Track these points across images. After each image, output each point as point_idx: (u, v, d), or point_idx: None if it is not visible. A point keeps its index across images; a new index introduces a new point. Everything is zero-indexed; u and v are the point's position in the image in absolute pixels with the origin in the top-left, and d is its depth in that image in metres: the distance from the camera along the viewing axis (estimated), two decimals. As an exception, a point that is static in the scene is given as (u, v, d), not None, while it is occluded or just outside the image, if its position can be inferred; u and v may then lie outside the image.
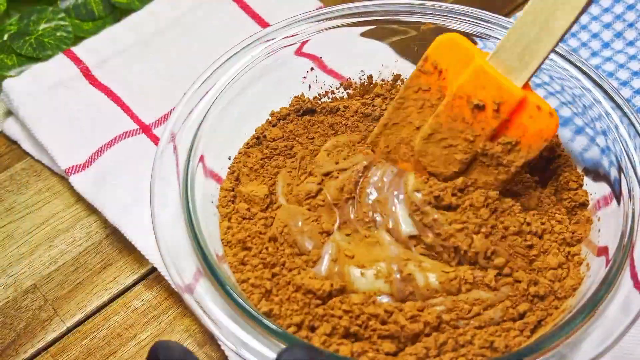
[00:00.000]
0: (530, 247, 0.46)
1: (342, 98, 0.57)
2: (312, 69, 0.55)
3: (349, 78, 0.57)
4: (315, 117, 0.55)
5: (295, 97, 0.55)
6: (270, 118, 0.54)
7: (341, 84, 0.57)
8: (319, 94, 0.56)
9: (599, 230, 0.47)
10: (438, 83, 0.46)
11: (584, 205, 0.49)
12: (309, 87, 0.56)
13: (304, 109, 0.55)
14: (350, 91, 0.57)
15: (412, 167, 0.49)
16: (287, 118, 0.54)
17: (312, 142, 0.53)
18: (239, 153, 0.53)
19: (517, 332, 0.42)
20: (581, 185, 0.50)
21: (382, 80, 0.57)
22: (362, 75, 0.57)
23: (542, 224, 0.47)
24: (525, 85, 0.44)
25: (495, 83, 0.43)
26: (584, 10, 0.40)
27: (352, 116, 0.55)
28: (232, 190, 0.51)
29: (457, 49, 0.45)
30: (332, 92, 0.57)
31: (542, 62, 0.43)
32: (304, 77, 0.55)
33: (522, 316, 0.43)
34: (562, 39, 0.42)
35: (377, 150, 0.50)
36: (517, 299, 0.44)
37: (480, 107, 0.44)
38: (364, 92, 0.58)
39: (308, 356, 0.35)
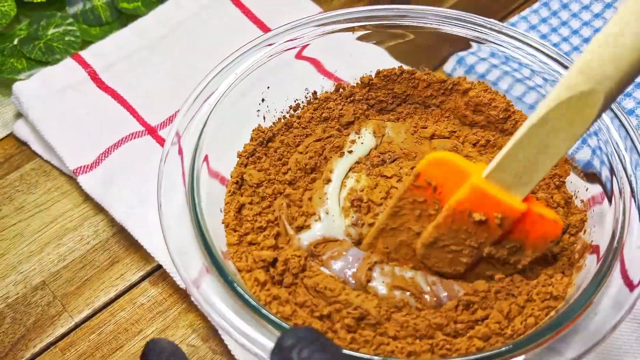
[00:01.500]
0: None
1: (297, 106, 0.56)
2: (263, 100, 0.54)
3: (348, 83, 0.57)
4: (276, 140, 0.53)
5: (253, 130, 0.53)
6: (239, 159, 0.52)
7: (337, 87, 0.56)
8: (273, 123, 0.55)
9: (592, 229, 0.47)
10: (434, 196, 0.42)
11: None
12: (264, 118, 0.54)
13: (266, 139, 0.53)
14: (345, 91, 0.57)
15: (415, 267, 0.46)
16: (255, 154, 0.52)
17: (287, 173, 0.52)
18: (227, 195, 0.50)
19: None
20: None
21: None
22: (356, 80, 0.57)
23: None
24: (527, 197, 0.41)
25: (495, 201, 0.40)
26: (583, 135, 0.37)
27: (309, 122, 0.54)
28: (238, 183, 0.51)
29: (449, 168, 0.41)
30: (292, 108, 0.55)
31: (542, 179, 0.40)
32: (258, 110, 0.54)
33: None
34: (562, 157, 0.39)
35: (376, 251, 0.46)
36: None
37: (482, 222, 0.41)
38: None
39: (311, 335, 0.35)
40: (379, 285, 0.44)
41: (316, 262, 0.46)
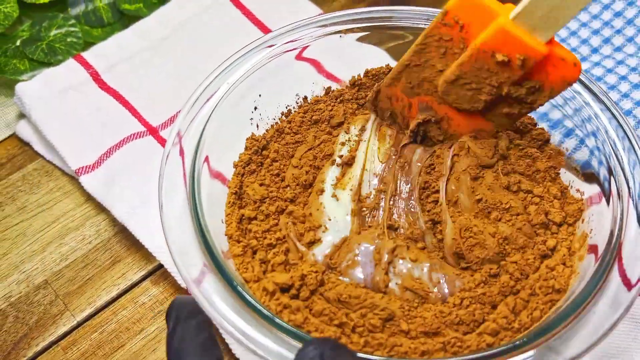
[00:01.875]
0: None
1: (289, 112, 0.55)
2: (255, 108, 0.53)
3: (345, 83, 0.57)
4: (270, 148, 0.53)
5: (247, 139, 0.52)
6: (235, 169, 0.51)
7: (327, 90, 0.56)
8: (266, 130, 0.54)
9: (590, 230, 0.47)
10: (460, 35, 0.44)
11: (547, 141, 0.51)
12: (257, 126, 0.54)
13: (260, 148, 0.52)
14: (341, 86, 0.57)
15: (436, 101, 0.47)
16: (250, 164, 0.52)
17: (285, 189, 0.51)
18: (227, 206, 0.50)
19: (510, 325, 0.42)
20: (535, 125, 0.52)
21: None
22: (358, 80, 0.56)
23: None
24: (550, 40, 0.41)
25: (519, 42, 0.41)
26: None
27: (300, 126, 0.54)
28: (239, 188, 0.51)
29: (477, 7, 0.42)
30: (284, 114, 0.55)
31: (566, 23, 0.41)
32: (251, 119, 0.53)
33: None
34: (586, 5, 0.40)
35: (398, 85, 0.49)
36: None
37: (505, 62, 0.42)
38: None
39: (334, 344, 0.35)
40: (394, 286, 0.45)
41: (334, 273, 0.46)
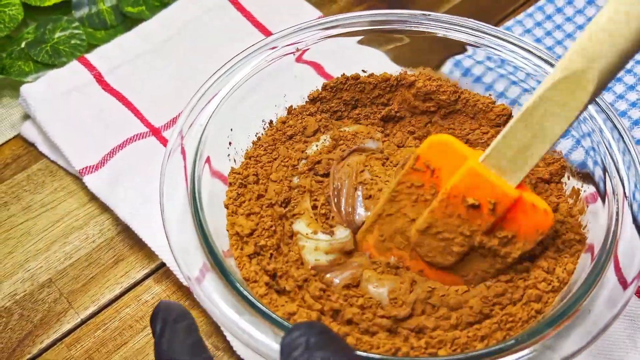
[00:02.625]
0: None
1: (259, 139, 0.53)
2: (230, 143, 0.51)
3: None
4: (250, 181, 0.51)
5: (229, 174, 0.50)
6: (227, 209, 0.48)
7: (289, 109, 0.55)
8: (242, 161, 0.52)
9: (585, 227, 0.47)
10: (431, 180, 0.43)
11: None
12: (234, 160, 0.51)
13: (244, 183, 0.50)
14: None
15: (408, 256, 0.45)
16: (239, 198, 0.49)
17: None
18: (232, 247, 0.47)
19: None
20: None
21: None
22: (304, 98, 0.55)
23: None
24: (520, 184, 0.41)
25: (489, 185, 0.40)
26: (577, 118, 0.37)
27: (274, 145, 0.52)
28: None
29: (449, 150, 0.41)
30: (254, 142, 0.53)
31: (536, 164, 0.40)
32: (228, 155, 0.51)
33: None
34: (555, 143, 0.40)
35: (370, 238, 0.46)
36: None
37: (475, 206, 0.41)
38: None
39: (320, 329, 0.34)
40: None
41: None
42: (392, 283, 0.44)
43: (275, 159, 0.51)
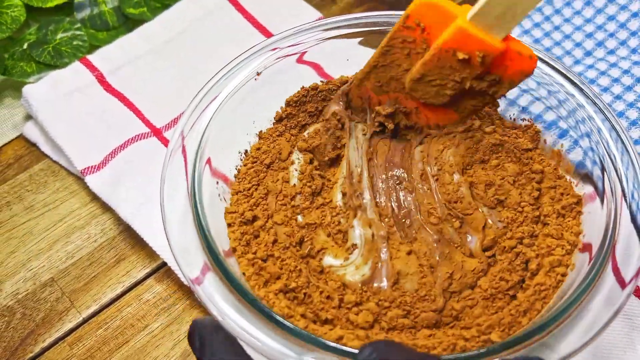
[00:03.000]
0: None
1: (239, 171, 0.52)
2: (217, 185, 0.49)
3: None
4: (244, 213, 0.51)
5: (225, 215, 0.48)
6: (235, 252, 0.47)
7: (259, 134, 0.54)
8: (231, 197, 0.52)
9: (583, 228, 0.47)
10: (422, 36, 0.45)
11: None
12: (224, 199, 0.50)
13: (244, 219, 0.48)
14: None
15: (404, 97, 0.49)
16: (244, 237, 0.48)
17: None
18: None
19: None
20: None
21: None
22: (271, 120, 0.55)
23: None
24: (506, 37, 0.43)
25: (478, 40, 0.42)
26: None
27: (258, 177, 0.51)
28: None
29: (438, 9, 0.44)
30: (235, 176, 0.52)
31: (520, 21, 0.42)
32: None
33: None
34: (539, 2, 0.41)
35: (368, 83, 0.50)
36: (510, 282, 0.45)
37: (465, 60, 0.43)
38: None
39: (389, 345, 0.35)
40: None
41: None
42: (414, 278, 0.45)
43: (267, 194, 0.50)
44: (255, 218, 0.48)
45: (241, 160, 0.52)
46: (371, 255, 0.46)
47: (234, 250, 0.46)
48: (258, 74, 0.52)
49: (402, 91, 0.49)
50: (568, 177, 0.50)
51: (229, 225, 0.47)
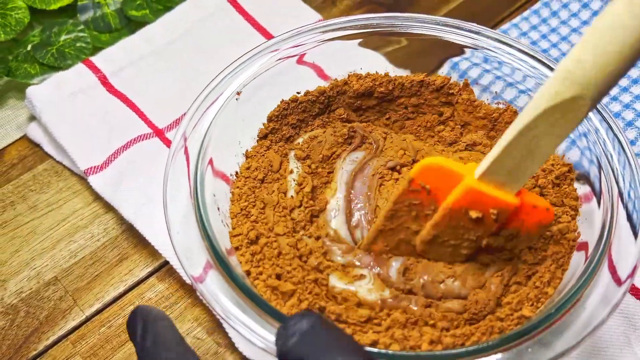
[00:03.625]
0: None
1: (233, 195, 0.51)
2: (218, 208, 0.47)
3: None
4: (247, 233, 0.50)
5: (230, 237, 0.47)
6: (245, 267, 0.46)
7: (246, 155, 0.53)
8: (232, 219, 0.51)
9: (579, 227, 0.47)
10: (429, 198, 0.42)
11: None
12: (225, 224, 0.49)
13: (248, 240, 0.47)
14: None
15: (416, 260, 0.46)
16: (254, 256, 0.46)
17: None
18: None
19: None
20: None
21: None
22: (254, 138, 0.54)
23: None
24: (519, 190, 0.41)
25: (490, 198, 0.40)
26: (570, 133, 0.37)
27: (253, 194, 0.50)
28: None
29: (441, 172, 0.41)
30: (231, 199, 0.50)
31: (534, 173, 0.41)
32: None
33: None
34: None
35: (375, 247, 0.46)
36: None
37: (479, 218, 0.41)
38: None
39: (317, 320, 0.33)
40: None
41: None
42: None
43: (264, 207, 0.49)
44: (258, 236, 0.47)
45: (238, 164, 0.52)
46: (385, 286, 0.45)
47: (248, 273, 0.44)
48: (238, 93, 0.51)
49: (413, 254, 0.45)
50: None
51: (237, 248, 0.46)
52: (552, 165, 0.50)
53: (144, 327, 0.35)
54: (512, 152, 0.38)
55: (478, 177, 0.40)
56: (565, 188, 0.49)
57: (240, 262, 0.45)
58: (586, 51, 0.33)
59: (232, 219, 0.48)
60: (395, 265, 0.45)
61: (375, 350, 0.38)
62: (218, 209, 0.47)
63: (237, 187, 0.50)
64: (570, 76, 0.34)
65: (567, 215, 0.47)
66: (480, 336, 0.41)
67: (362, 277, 0.45)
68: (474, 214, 0.40)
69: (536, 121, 0.36)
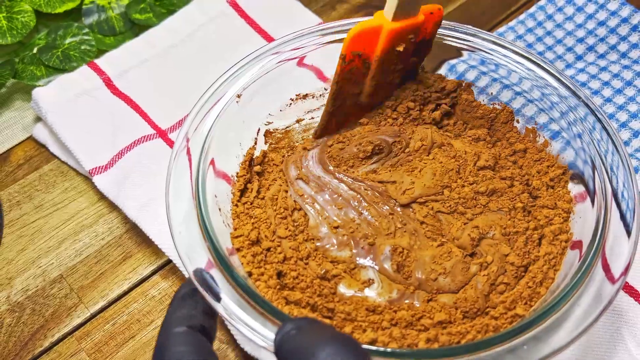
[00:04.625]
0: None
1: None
2: (223, 221, 0.47)
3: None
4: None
5: (233, 239, 0.47)
6: (250, 269, 0.45)
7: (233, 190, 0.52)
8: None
9: (574, 225, 0.47)
10: (361, 59, 0.48)
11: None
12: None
13: (262, 251, 0.47)
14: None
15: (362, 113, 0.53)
16: (256, 257, 0.46)
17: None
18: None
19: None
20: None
21: None
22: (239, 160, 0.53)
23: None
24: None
25: (407, 28, 0.47)
26: None
27: (252, 219, 0.49)
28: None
29: (363, 33, 0.47)
30: (232, 225, 0.49)
31: None
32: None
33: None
34: None
35: (329, 131, 0.52)
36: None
37: (405, 48, 0.48)
38: None
39: (313, 320, 0.35)
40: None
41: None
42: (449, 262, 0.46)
43: (263, 219, 0.48)
44: (259, 238, 0.46)
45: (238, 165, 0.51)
46: (395, 287, 0.46)
47: (249, 274, 0.44)
48: (238, 96, 0.51)
49: (360, 113, 0.53)
50: (547, 150, 0.51)
51: (238, 250, 0.45)
52: (548, 167, 0.50)
53: (172, 301, 0.39)
54: None
55: (392, 18, 0.46)
56: (559, 190, 0.49)
57: (242, 264, 0.45)
58: None
59: (233, 220, 0.48)
60: (387, 251, 0.46)
61: (373, 348, 0.38)
62: (219, 209, 0.47)
63: (235, 212, 0.49)
64: None
65: (559, 217, 0.48)
66: (476, 334, 0.41)
67: (371, 282, 0.46)
68: (400, 48, 0.48)
69: None
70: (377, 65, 0.49)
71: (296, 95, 0.55)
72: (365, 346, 0.38)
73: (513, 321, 0.42)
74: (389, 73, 0.50)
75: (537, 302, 0.43)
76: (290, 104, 0.55)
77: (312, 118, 0.55)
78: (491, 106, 0.54)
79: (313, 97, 0.55)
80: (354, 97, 0.51)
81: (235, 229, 0.47)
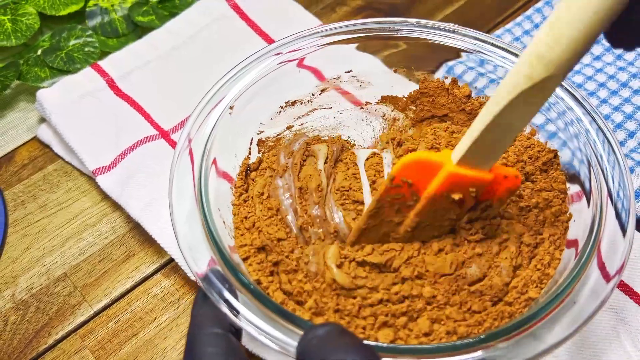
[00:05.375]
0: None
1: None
2: (224, 222, 0.47)
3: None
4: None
5: (239, 248, 0.46)
6: (254, 272, 0.45)
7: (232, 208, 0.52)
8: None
9: (571, 224, 0.47)
10: (410, 190, 0.43)
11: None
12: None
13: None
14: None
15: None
16: (261, 260, 0.46)
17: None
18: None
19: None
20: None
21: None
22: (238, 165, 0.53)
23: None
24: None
25: (470, 180, 0.41)
26: (539, 110, 0.38)
27: (252, 223, 0.48)
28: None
29: (421, 165, 0.41)
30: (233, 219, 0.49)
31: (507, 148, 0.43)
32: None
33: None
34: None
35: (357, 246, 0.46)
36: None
37: (461, 199, 0.42)
38: None
39: (333, 327, 0.35)
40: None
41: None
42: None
43: (265, 223, 0.48)
44: (264, 245, 0.46)
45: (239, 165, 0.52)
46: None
47: (258, 282, 0.44)
48: (231, 107, 0.50)
49: (397, 239, 0.46)
50: (536, 137, 0.51)
51: (245, 259, 0.45)
52: (539, 152, 0.50)
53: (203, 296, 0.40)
54: (487, 136, 0.39)
55: (457, 162, 0.40)
56: (553, 173, 0.49)
57: (249, 272, 0.45)
58: (555, 35, 0.34)
59: (235, 229, 0.48)
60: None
61: (392, 345, 0.38)
62: (218, 210, 0.48)
63: (237, 229, 0.49)
64: (542, 60, 0.34)
65: (557, 199, 0.48)
66: (492, 322, 0.41)
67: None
68: (456, 196, 0.42)
69: (510, 105, 0.37)
70: (425, 202, 0.42)
71: (285, 102, 0.55)
72: (384, 344, 0.38)
73: (527, 305, 0.42)
74: (436, 217, 0.43)
75: (547, 283, 0.43)
76: (280, 111, 0.55)
77: (302, 124, 0.55)
78: None
79: (301, 104, 0.56)
80: (392, 226, 0.45)
81: (237, 229, 0.47)
